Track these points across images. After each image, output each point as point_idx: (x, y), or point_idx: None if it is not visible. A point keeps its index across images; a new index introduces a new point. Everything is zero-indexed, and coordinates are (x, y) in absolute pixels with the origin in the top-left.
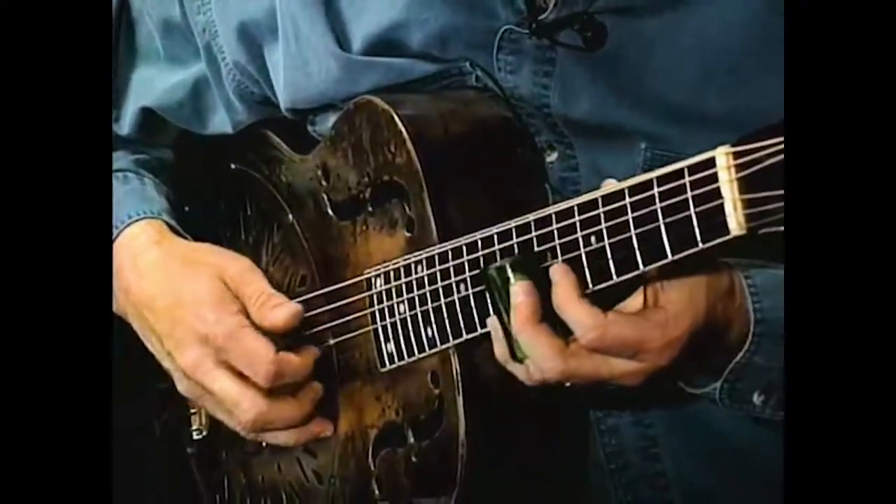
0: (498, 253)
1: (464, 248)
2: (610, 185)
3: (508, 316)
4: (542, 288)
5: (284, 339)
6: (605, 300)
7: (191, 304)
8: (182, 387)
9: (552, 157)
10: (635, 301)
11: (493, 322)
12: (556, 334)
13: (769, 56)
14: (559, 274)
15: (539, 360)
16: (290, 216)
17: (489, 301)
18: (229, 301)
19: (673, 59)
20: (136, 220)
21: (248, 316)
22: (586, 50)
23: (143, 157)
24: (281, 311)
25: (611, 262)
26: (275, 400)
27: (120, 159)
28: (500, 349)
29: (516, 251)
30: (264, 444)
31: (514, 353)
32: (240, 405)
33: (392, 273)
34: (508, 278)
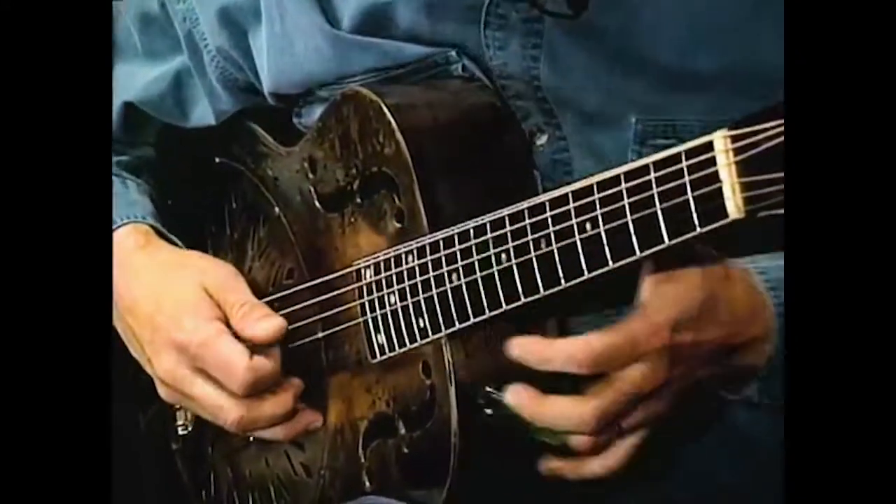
0: (491, 242)
1: (455, 237)
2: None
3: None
4: None
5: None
6: None
7: (170, 311)
8: (163, 393)
9: (542, 139)
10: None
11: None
12: (565, 392)
13: (760, 9)
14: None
15: (572, 427)
16: (277, 209)
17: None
18: (207, 307)
19: (659, 20)
20: (122, 225)
21: (226, 322)
22: (572, 15)
23: (125, 159)
24: (265, 323)
25: (607, 249)
26: (256, 400)
27: None
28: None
29: (510, 239)
30: (251, 438)
31: (550, 444)
32: (223, 409)
33: (382, 264)
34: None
